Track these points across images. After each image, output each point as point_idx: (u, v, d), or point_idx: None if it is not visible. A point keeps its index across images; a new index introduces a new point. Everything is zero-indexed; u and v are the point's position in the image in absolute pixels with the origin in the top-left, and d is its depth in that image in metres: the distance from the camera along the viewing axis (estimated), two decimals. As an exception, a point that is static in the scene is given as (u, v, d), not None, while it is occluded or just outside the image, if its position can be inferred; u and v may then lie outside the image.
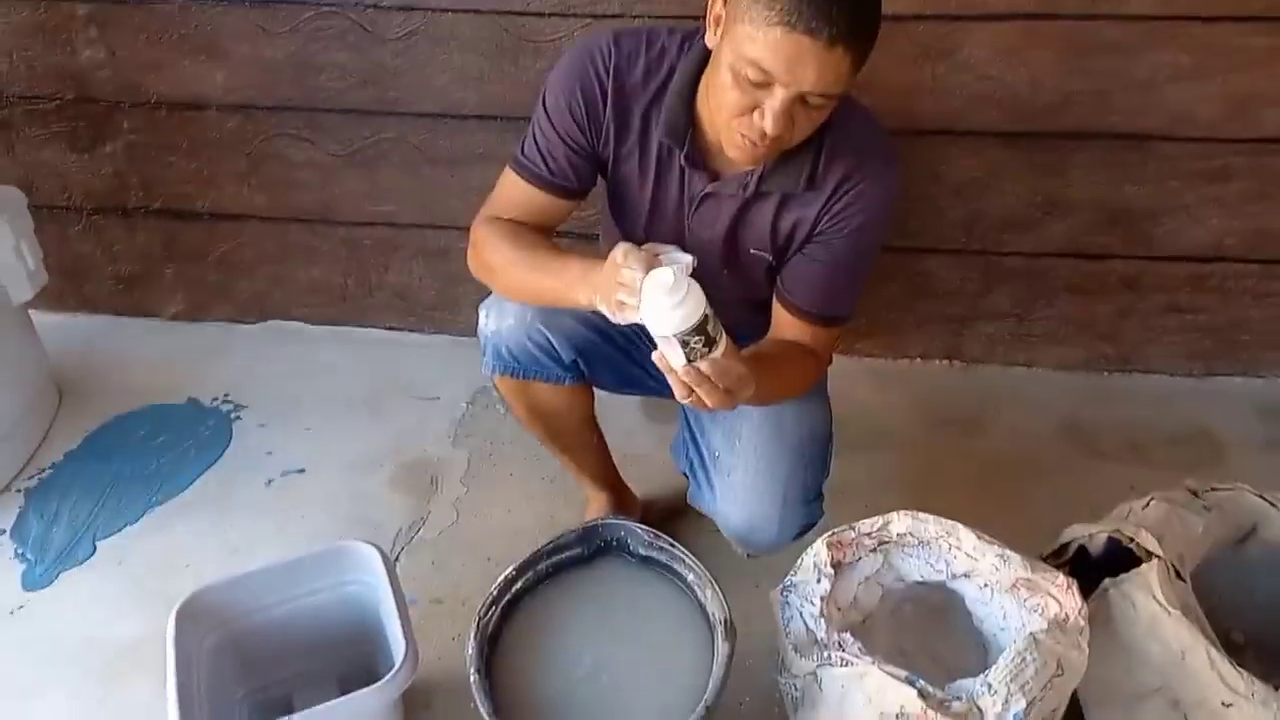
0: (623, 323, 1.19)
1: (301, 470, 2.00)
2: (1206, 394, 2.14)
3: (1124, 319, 2.12)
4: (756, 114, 1.17)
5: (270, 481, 1.98)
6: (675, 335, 1.11)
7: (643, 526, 1.45)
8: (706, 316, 1.11)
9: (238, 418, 2.13)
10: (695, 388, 1.14)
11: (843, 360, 1.59)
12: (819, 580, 1.38)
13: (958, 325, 2.17)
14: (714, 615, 1.35)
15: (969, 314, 2.15)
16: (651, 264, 1.13)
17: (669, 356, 1.15)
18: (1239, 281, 2.04)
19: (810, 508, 1.46)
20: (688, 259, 1.15)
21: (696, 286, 1.10)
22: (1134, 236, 2.01)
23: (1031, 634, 1.29)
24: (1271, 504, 1.54)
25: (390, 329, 2.33)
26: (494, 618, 1.36)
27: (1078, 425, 2.08)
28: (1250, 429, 2.06)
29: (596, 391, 1.62)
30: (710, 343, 1.13)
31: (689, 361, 1.13)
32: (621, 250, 1.15)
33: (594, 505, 1.80)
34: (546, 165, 1.37)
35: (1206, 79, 1.82)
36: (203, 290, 2.33)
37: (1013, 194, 1.98)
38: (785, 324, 1.40)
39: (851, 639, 1.31)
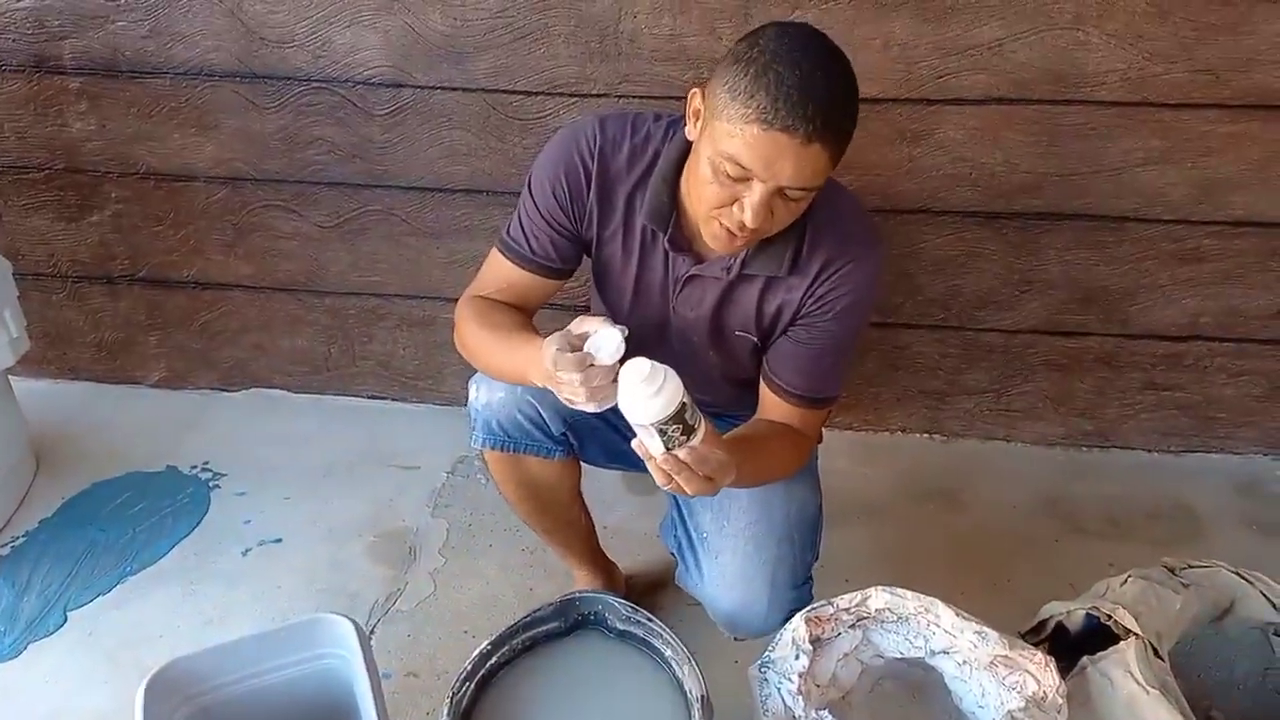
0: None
1: (279, 540, 1.99)
2: (1184, 470, 2.16)
3: (1101, 396, 2.14)
4: (736, 206, 1.18)
5: (247, 551, 1.96)
6: (653, 424, 1.11)
7: (621, 600, 1.44)
8: (684, 405, 1.10)
9: (216, 486, 2.12)
10: (674, 475, 1.14)
11: (824, 432, 1.60)
12: (797, 656, 1.36)
13: (937, 400, 2.19)
14: (691, 692, 1.33)
15: (948, 389, 2.17)
16: (583, 365, 1.12)
17: (647, 444, 1.14)
18: (1213, 360, 2.07)
19: (799, 592, 1.45)
20: (618, 334, 1.12)
21: (673, 374, 1.10)
22: (1110, 315, 2.04)
23: (1010, 712, 1.28)
24: (1249, 581, 1.54)
25: (373, 398, 2.34)
26: (468, 693, 1.34)
27: (1057, 500, 2.09)
28: (1227, 505, 2.08)
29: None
30: (689, 430, 1.12)
31: (668, 449, 1.13)
32: (550, 357, 1.14)
33: (580, 584, 1.79)
34: (530, 246, 1.39)
35: (1176, 163, 1.86)
36: (185, 358, 2.34)
37: (990, 272, 2.01)
38: (772, 405, 1.40)
39: (830, 717, 1.29)
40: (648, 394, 1.09)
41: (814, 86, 1.10)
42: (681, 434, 1.12)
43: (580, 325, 1.17)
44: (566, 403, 1.18)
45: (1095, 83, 1.81)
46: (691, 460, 1.14)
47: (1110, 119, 1.84)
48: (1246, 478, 2.14)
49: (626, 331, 1.14)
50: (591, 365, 1.13)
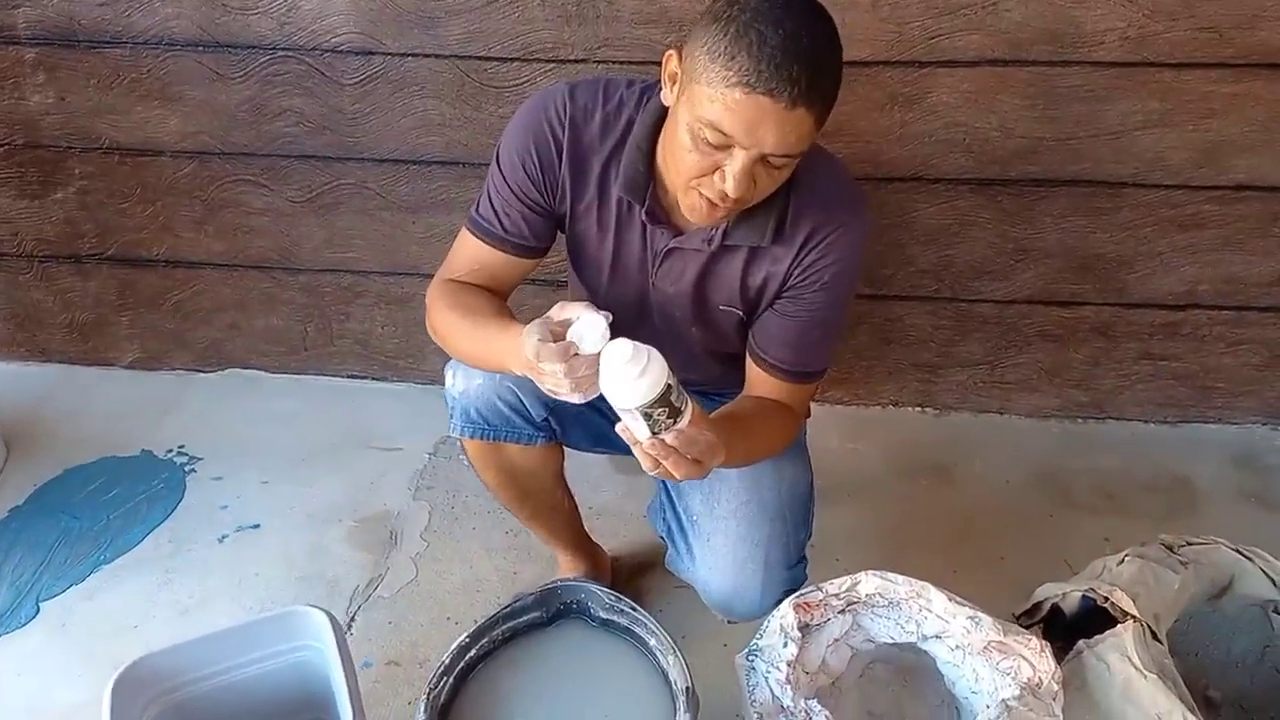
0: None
1: (257, 525, 1.94)
2: (1180, 442, 2.12)
3: (1097, 366, 2.09)
4: (717, 175, 1.13)
5: (224, 537, 1.92)
6: (637, 408, 1.06)
7: (604, 589, 1.39)
8: (669, 386, 1.05)
9: (192, 470, 2.07)
10: (662, 460, 1.09)
11: (814, 407, 1.55)
12: (785, 644, 1.33)
13: (929, 373, 2.14)
14: (676, 683, 1.29)
15: (941, 361, 2.12)
16: (567, 355, 1.07)
17: (632, 428, 1.09)
18: (1212, 329, 2.02)
19: (793, 572, 1.41)
20: (602, 320, 1.08)
21: (657, 355, 1.05)
22: (1106, 284, 1.99)
23: (1004, 701, 1.25)
24: (1249, 558, 1.50)
25: (353, 377, 2.28)
26: (445, 687, 1.30)
27: (1051, 474, 2.05)
28: (1225, 476, 2.04)
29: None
30: (675, 413, 1.07)
31: (654, 433, 1.08)
32: (531, 348, 1.09)
33: (564, 569, 1.74)
34: (501, 224, 1.33)
35: (1177, 126, 1.81)
36: (159, 338, 2.28)
37: (983, 241, 1.96)
38: (759, 381, 1.36)
39: (819, 706, 1.25)
40: (631, 377, 1.04)
41: (798, 47, 1.04)
42: (667, 417, 1.07)
43: (561, 311, 1.12)
44: (549, 394, 1.13)
45: (1093, 42, 1.74)
46: (679, 444, 1.09)
47: (1109, 80, 1.78)
48: (1244, 448, 2.10)
49: (610, 317, 1.09)
50: (575, 355, 1.08)
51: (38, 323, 2.28)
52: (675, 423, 1.08)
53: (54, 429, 2.17)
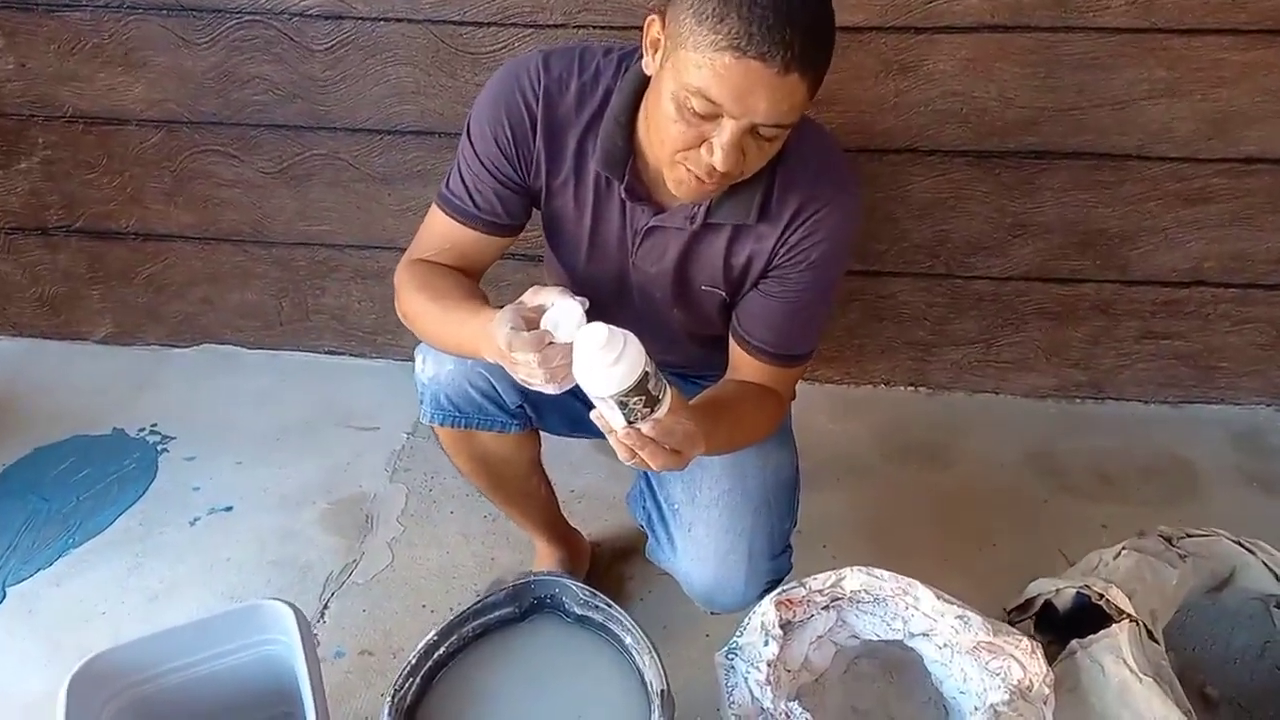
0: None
1: (229, 508, 1.89)
2: (1181, 423, 2.06)
3: (1096, 345, 2.03)
4: (704, 148, 1.06)
5: (196, 520, 1.86)
6: (612, 396, 0.99)
7: (578, 584, 1.34)
8: (646, 374, 0.99)
9: (165, 450, 2.01)
10: (637, 450, 1.03)
11: (802, 386, 1.48)
12: (766, 643, 1.27)
13: (923, 351, 2.08)
14: (651, 685, 1.24)
15: (934, 339, 2.06)
16: (541, 344, 1.01)
17: (608, 417, 1.03)
18: (1216, 306, 1.96)
19: (777, 562, 1.36)
20: (578, 306, 1.02)
21: (634, 341, 0.98)
22: (1107, 260, 1.92)
23: (992, 706, 1.20)
24: (1250, 550, 1.45)
25: (330, 353, 2.22)
26: (411, 688, 1.25)
27: (1047, 456, 1.99)
28: (1226, 459, 1.98)
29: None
30: (652, 402, 1.00)
31: (629, 423, 1.02)
32: (503, 337, 1.03)
33: (542, 557, 1.69)
34: (473, 201, 1.26)
35: (1185, 95, 1.73)
36: (132, 313, 2.21)
37: (980, 215, 1.89)
38: (743, 365, 1.30)
39: (800, 709, 1.21)
40: (606, 363, 0.97)
41: (791, 8, 0.98)
42: (644, 406, 1.00)
43: (534, 296, 1.06)
44: (523, 383, 1.06)
45: (1098, 7, 1.67)
46: (656, 434, 1.03)
47: (1114, 48, 1.70)
48: (1248, 430, 2.04)
49: (586, 303, 1.02)
50: (550, 344, 1.01)
51: (6, 296, 2.22)
52: (653, 412, 1.01)
53: (24, 406, 2.11)
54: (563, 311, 1.02)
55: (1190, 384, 2.06)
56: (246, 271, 2.12)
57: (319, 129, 1.90)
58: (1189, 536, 1.48)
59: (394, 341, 2.16)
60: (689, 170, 1.09)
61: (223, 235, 2.07)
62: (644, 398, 1.00)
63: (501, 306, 1.11)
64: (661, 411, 1.02)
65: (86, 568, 1.78)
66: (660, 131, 1.09)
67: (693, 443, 1.07)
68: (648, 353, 1.00)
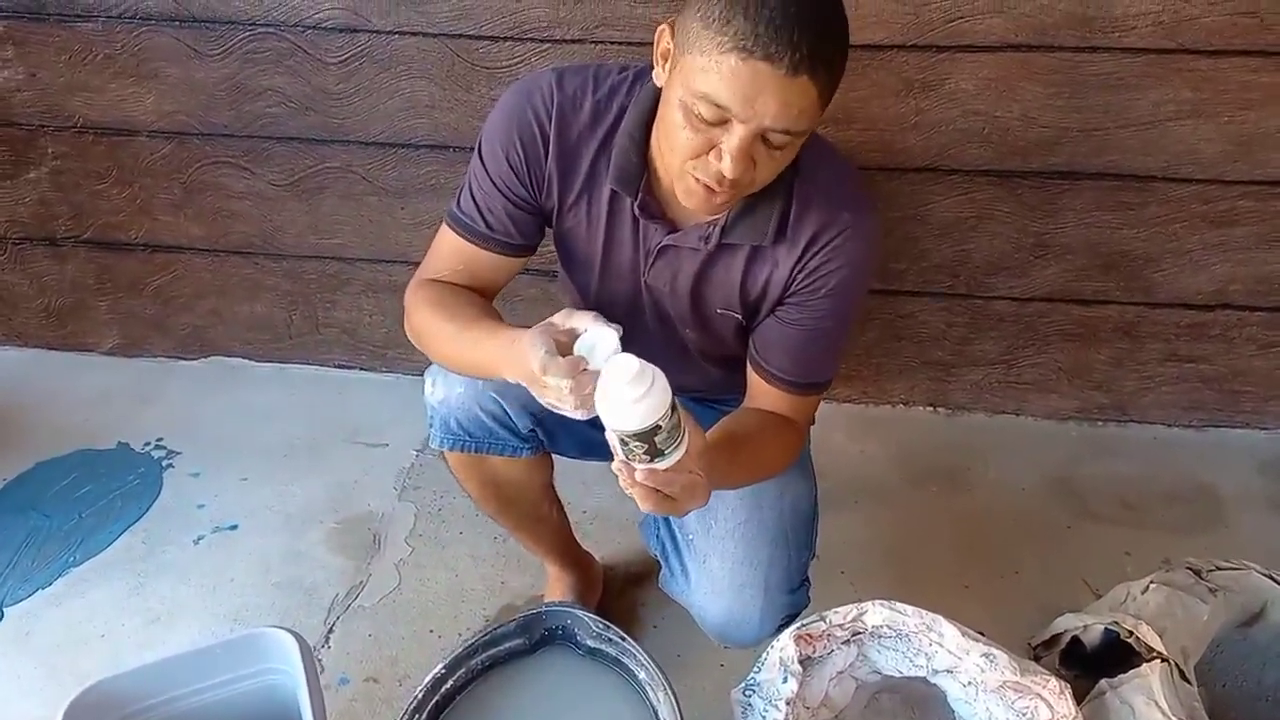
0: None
1: (234, 526, 1.86)
2: (1205, 447, 2.02)
3: (1119, 368, 1.99)
4: (713, 155, 1.03)
5: (200, 539, 1.83)
6: (615, 432, 0.95)
7: (591, 615, 1.30)
8: (658, 427, 0.94)
9: (170, 465, 1.98)
10: (627, 488, 1.00)
11: (820, 405, 1.46)
12: (785, 679, 1.24)
13: (942, 371, 2.04)
14: (666, 721, 1.20)
15: (955, 360, 2.02)
16: (576, 370, 0.98)
17: (611, 445, 1.00)
18: (1242, 330, 1.92)
19: (795, 596, 1.32)
20: (613, 334, 0.99)
21: (662, 385, 0.93)
22: (1131, 281, 1.88)
23: (1019, 748, 1.16)
24: (1281, 584, 1.41)
25: (340, 367, 2.19)
26: (419, 725, 1.22)
27: (1069, 480, 1.95)
28: (1251, 485, 1.94)
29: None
30: (655, 454, 0.96)
31: (625, 459, 0.98)
32: (539, 361, 0.99)
33: (554, 582, 1.66)
34: (485, 221, 1.22)
35: (1211, 117, 1.70)
36: (139, 324, 2.19)
37: (1002, 235, 1.86)
38: (760, 392, 1.26)
39: (820, 749, 1.17)
40: (625, 399, 0.92)
41: (800, 9, 0.95)
42: (645, 454, 0.96)
43: (567, 319, 1.03)
44: (549, 407, 1.03)
45: (1124, 27, 1.63)
46: (653, 481, 0.99)
47: (1140, 68, 1.67)
48: (1272, 455, 2.00)
49: (621, 330, 1.00)
50: (584, 370, 0.98)
51: (13, 306, 2.20)
52: (652, 462, 0.97)
53: (27, 419, 2.09)
54: (598, 338, 1.00)
55: (1215, 408, 2.02)
56: (256, 284, 2.09)
57: (332, 142, 1.88)
58: (1218, 569, 1.44)
59: (405, 356, 2.13)
60: (698, 179, 1.06)
61: (233, 248, 2.04)
62: (646, 446, 0.95)
63: (514, 323, 1.07)
64: (663, 465, 0.98)
65: (87, 588, 1.75)
66: (670, 140, 1.06)
67: (693, 495, 1.02)
68: (673, 393, 0.95)
